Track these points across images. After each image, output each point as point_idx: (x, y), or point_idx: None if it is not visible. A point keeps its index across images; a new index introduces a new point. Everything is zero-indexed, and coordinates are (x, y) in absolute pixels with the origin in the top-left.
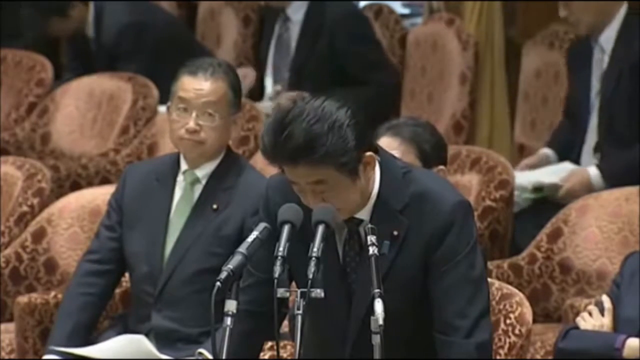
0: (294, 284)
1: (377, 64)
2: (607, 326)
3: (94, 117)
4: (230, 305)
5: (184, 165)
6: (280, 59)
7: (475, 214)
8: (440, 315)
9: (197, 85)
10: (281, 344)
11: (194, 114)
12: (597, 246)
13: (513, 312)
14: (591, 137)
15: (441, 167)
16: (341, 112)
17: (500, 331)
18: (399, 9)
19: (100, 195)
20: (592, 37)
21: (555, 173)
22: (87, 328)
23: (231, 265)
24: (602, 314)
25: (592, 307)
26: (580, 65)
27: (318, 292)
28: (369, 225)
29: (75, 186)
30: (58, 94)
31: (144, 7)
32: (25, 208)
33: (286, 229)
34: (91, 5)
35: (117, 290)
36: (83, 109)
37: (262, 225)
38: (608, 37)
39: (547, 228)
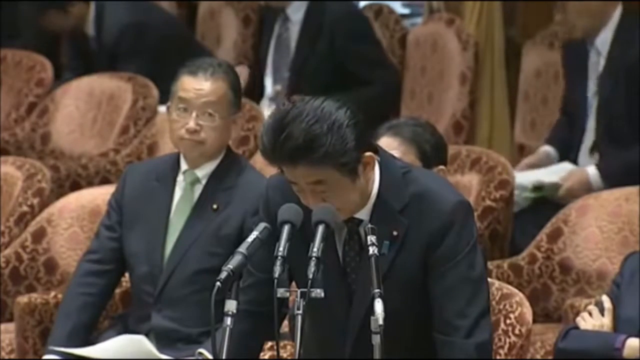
0: (294, 284)
1: (379, 62)
2: (607, 326)
3: (94, 117)
4: (230, 305)
5: (184, 165)
6: (280, 59)
7: (475, 214)
8: (440, 315)
9: (197, 85)
10: (281, 344)
11: (194, 114)
12: (597, 246)
13: (513, 312)
14: (589, 137)
15: (441, 167)
16: (340, 113)
17: (500, 331)
18: (399, 9)
19: (100, 195)
20: (588, 40)
21: (555, 173)
22: (87, 328)
23: (231, 265)
24: (602, 314)
25: (592, 307)
26: (576, 67)
27: (318, 292)
28: (369, 225)
29: (75, 186)
30: (58, 94)
31: (144, 7)
32: (25, 208)
33: (286, 229)
34: (92, 5)
35: (117, 290)
36: (83, 109)
37: (262, 225)
38: (604, 40)
39: (547, 228)
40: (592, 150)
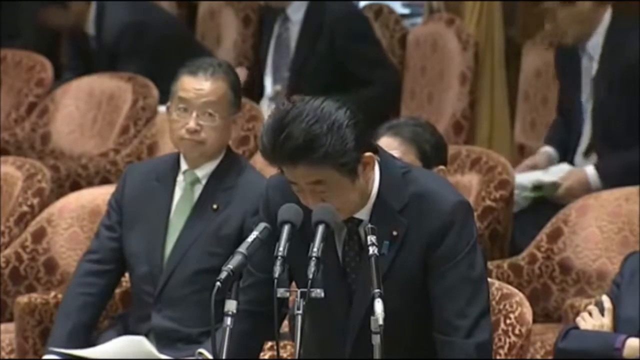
0: (294, 284)
1: (379, 62)
2: (607, 326)
3: (94, 117)
4: (230, 305)
5: (184, 165)
6: (280, 58)
7: (475, 214)
8: (440, 315)
9: (197, 85)
10: (281, 344)
11: (194, 114)
12: (597, 246)
13: (513, 312)
14: (584, 141)
15: (441, 167)
16: (340, 113)
17: (500, 331)
18: (399, 9)
19: (100, 195)
20: (580, 45)
21: (554, 173)
22: (87, 328)
23: (231, 265)
24: (602, 314)
25: (592, 307)
26: (569, 72)
27: (318, 292)
28: (369, 225)
29: (75, 186)
30: (58, 94)
31: (144, 7)
32: (25, 208)
33: (286, 229)
34: (93, 4)
35: (117, 290)
36: (83, 109)
37: (262, 225)
38: (595, 44)
39: (547, 228)
40: (587, 153)
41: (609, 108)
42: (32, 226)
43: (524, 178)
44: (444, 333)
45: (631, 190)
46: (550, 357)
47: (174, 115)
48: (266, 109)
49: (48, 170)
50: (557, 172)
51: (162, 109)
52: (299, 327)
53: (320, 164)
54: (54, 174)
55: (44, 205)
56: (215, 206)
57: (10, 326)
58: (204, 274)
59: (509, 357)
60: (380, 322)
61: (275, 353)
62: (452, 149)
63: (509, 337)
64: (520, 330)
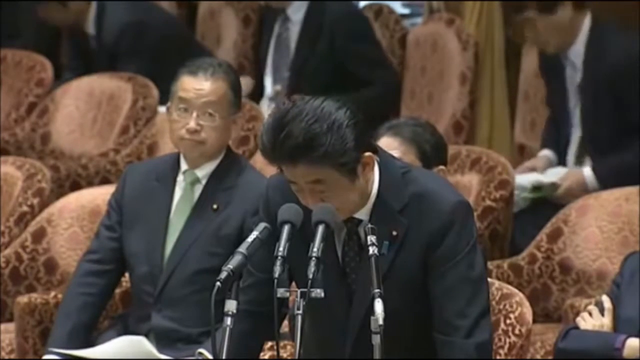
0: (294, 284)
1: (379, 62)
2: (607, 326)
3: (94, 117)
4: (230, 305)
5: (184, 165)
6: (280, 58)
7: (475, 214)
8: (440, 315)
9: (197, 85)
10: (281, 344)
11: (194, 114)
12: (597, 246)
13: (513, 312)
14: (574, 147)
15: (441, 167)
16: (340, 112)
17: (500, 331)
18: (399, 9)
19: (100, 195)
20: (562, 54)
21: (554, 174)
22: (87, 328)
23: (231, 265)
24: (602, 314)
25: (592, 307)
26: (554, 80)
27: (318, 292)
28: (369, 225)
29: (75, 186)
30: (58, 94)
31: (144, 7)
32: (25, 208)
33: (286, 229)
34: (94, 4)
35: (117, 290)
36: (83, 109)
37: (262, 225)
38: (577, 52)
39: (547, 228)
40: (579, 158)
41: (597, 113)
42: (32, 226)
43: (524, 179)
44: (444, 333)
45: (631, 190)
46: (550, 357)
47: (174, 115)
48: (266, 109)
49: (48, 170)
50: (556, 173)
51: (162, 109)
52: (299, 327)
53: (320, 163)
54: (54, 174)
55: (44, 205)
56: (215, 206)
57: (10, 326)
58: (204, 274)
59: (509, 357)
60: (380, 322)
61: (275, 353)
62: (452, 149)
63: (509, 337)
64: (520, 330)
